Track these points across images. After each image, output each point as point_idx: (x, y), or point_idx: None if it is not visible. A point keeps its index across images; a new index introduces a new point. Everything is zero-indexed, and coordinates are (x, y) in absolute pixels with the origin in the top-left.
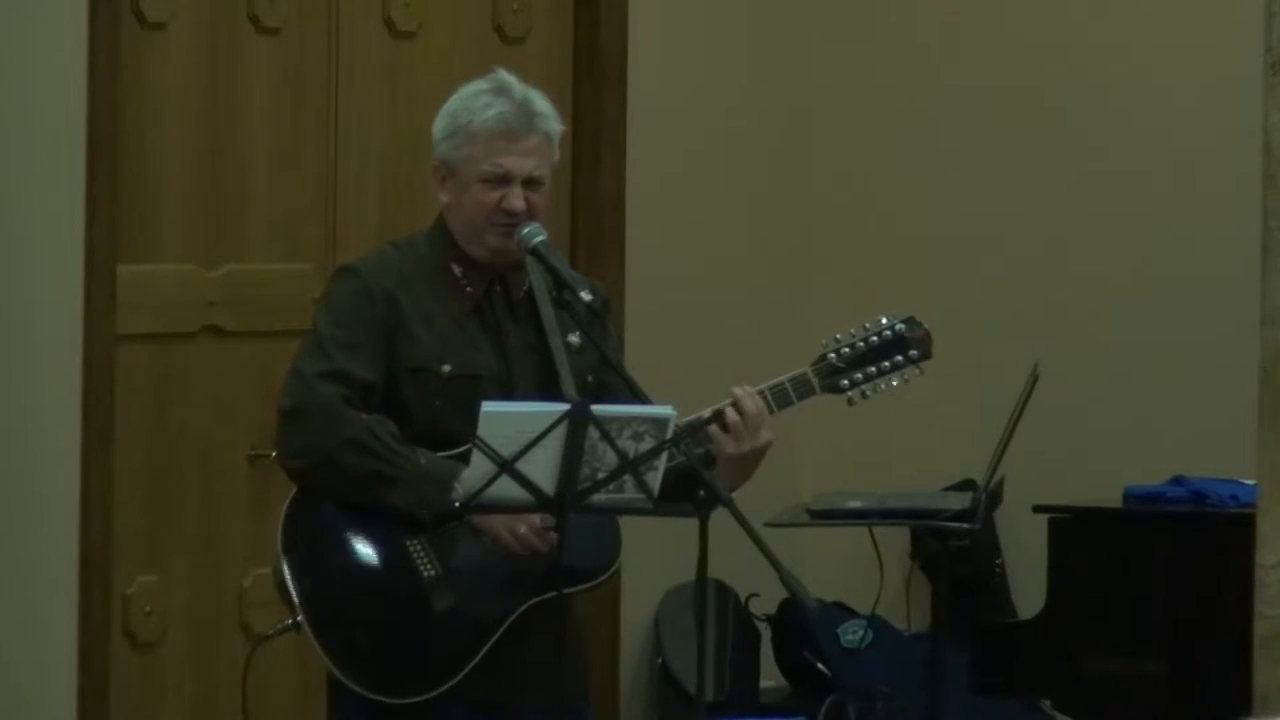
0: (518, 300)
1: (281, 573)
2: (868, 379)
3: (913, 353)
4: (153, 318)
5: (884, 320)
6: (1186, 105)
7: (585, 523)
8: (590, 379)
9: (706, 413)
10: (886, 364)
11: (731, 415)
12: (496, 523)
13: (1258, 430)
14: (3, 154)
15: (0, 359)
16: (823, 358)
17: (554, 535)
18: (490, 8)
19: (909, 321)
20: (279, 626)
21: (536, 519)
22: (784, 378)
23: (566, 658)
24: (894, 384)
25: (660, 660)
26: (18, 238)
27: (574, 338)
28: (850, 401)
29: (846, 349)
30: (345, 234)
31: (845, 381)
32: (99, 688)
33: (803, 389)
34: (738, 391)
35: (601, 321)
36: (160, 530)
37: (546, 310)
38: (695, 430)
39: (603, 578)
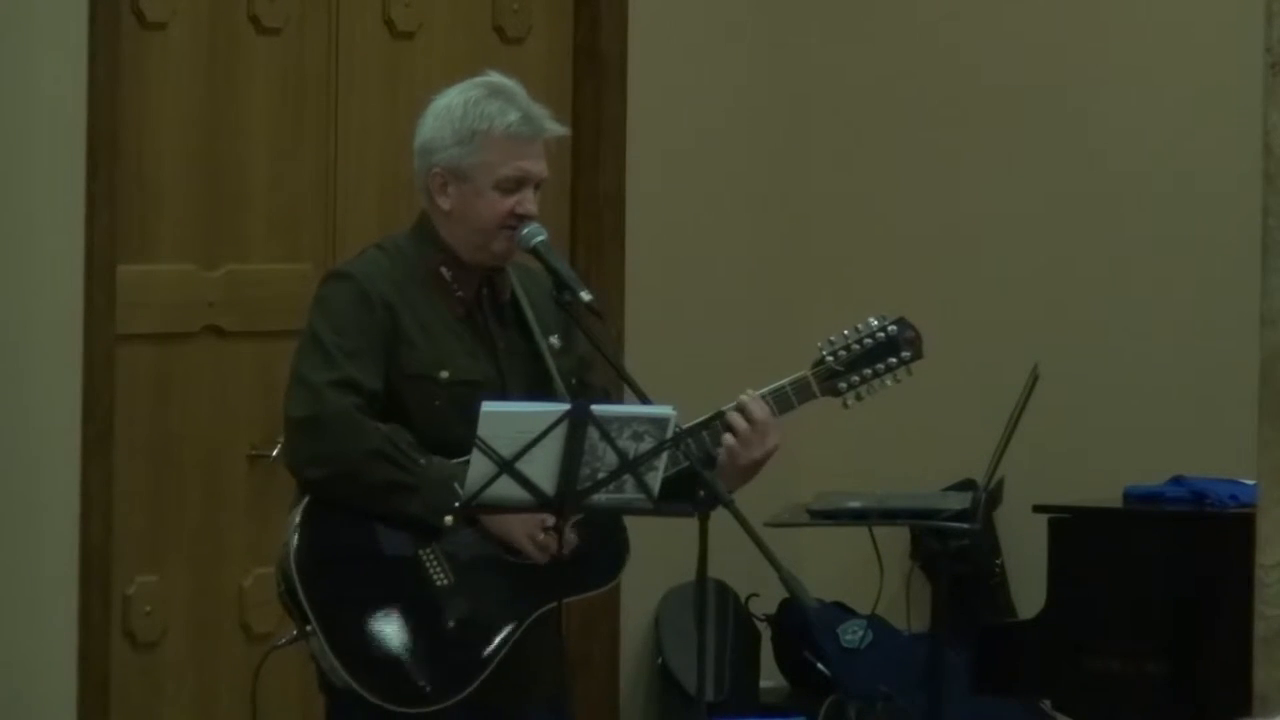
0: (504, 303)
1: (292, 582)
2: (864, 380)
3: (905, 354)
4: (153, 318)
5: (874, 322)
6: (1186, 105)
7: (594, 527)
8: (573, 381)
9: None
10: (881, 365)
11: (740, 422)
12: (515, 530)
13: (1258, 430)
14: (3, 154)
15: (0, 359)
16: (821, 361)
17: (571, 538)
18: (490, 8)
19: (900, 323)
20: (290, 636)
21: (550, 521)
22: (784, 381)
23: (559, 657)
24: (887, 384)
25: (660, 660)
26: (18, 238)
27: (554, 340)
28: (846, 404)
29: (843, 351)
30: (345, 234)
31: (843, 384)
32: (99, 688)
33: (803, 393)
34: (745, 398)
35: (603, 321)
36: (160, 530)
37: (531, 313)
38: (697, 431)
39: (613, 581)
